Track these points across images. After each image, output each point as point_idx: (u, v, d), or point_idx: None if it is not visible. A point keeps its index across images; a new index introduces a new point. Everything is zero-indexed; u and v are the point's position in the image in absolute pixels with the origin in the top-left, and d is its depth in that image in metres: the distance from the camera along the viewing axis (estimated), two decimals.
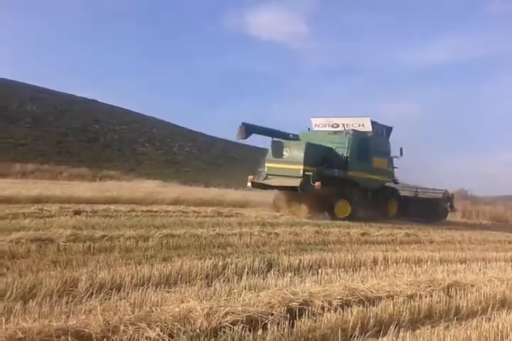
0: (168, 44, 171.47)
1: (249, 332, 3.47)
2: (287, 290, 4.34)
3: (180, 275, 5.10)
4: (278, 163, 14.34)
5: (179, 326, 3.37)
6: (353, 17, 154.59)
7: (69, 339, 3.05)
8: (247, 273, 5.45)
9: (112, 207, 12.03)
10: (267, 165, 14.59)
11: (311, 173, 13.82)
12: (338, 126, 16.69)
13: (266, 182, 14.54)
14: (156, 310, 3.64)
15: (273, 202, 15.31)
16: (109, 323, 3.28)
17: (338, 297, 4.34)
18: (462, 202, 20.49)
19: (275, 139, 14.84)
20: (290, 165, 14.08)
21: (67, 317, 3.47)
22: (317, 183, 13.62)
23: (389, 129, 17.28)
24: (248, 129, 13.76)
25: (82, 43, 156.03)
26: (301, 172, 13.81)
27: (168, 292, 4.43)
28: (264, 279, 5.23)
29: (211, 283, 4.97)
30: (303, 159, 13.94)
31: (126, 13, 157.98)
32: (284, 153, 14.32)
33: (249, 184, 15.01)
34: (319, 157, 14.60)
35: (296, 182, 13.68)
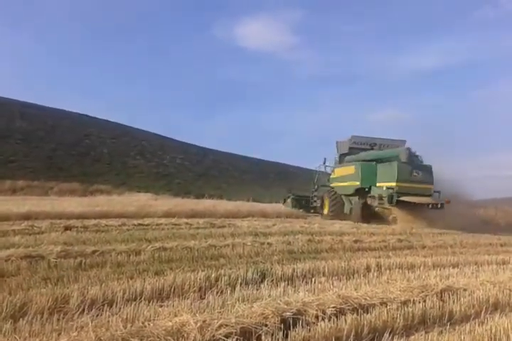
0: (158, 57, 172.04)
1: None
2: (281, 301, 4.32)
3: (172, 289, 5.06)
4: (409, 183, 16.45)
5: (172, 340, 3.35)
6: (342, 25, 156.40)
7: None
8: (241, 284, 5.42)
9: (103, 221, 11.96)
10: (397, 184, 16.45)
11: (440, 191, 16.81)
12: (375, 145, 19.80)
13: (408, 199, 16.09)
14: (149, 324, 3.61)
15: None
16: (101, 339, 3.24)
17: (332, 305, 4.32)
18: (455, 206, 20.55)
19: (403, 162, 16.72)
20: (421, 184, 16.50)
21: (59, 334, 3.43)
22: (447, 199, 16.39)
23: None
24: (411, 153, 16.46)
25: (70, 58, 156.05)
26: (432, 191, 16.64)
27: (161, 306, 4.39)
28: (257, 290, 5.20)
29: (204, 295, 4.93)
30: (433, 180, 16.69)
31: (115, 25, 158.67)
32: (415, 174, 16.54)
33: (392, 202, 16.43)
34: None
35: (431, 200, 16.24)
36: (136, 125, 67.01)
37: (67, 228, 10.18)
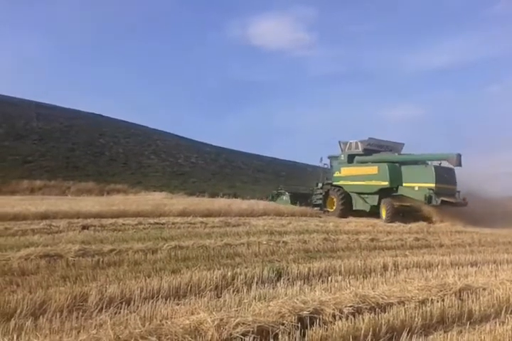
0: (172, 57, 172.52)
1: None
2: (297, 299, 4.31)
3: (189, 287, 5.09)
4: (443, 184, 17.84)
5: (190, 338, 3.36)
6: (355, 23, 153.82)
7: None
8: (257, 283, 5.43)
9: (120, 220, 12.08)
10: (436, 185, 17.65)
11: (459, 191, 18.16)
12: (382, 147, 21.03)
13: (448, 199, 17.47)
14: (167, 322, 3.63)
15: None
16: (119, 337, 3.27)
17: (349, 304, 4.30)
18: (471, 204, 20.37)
19: (440, 164, 18.23)
20: (450, 185, 18.06)
21: (78, 332, 3.47)
22: (464, 198, 17.87)
23: None
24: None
25: (85, 58, 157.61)
26: (456, 191, 18.16)
27: (178, 304, 4.42)
28: (273, 288, 5.20)
29: (221, 293, 4.95)
30: (456, 181, 18.25)
31: (130, 26, 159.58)
32: (446, 176, 18.03)
33: (436, 201, 17.50)
34: None
35: (461, 199, 17.89)
36: (150, 124, 67.32)
37: (84, 227, 10.30)
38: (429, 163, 18.97)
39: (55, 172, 35.18)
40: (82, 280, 5.28)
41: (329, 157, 22.65)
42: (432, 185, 17.66)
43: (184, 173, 46.11)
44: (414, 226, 15.08)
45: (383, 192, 19.16)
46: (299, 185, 26.59)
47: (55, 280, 5.26)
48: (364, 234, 11.42)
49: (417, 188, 18.16)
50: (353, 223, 15.44)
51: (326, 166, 22.55)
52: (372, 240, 10.19)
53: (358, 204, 20.26)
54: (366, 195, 19.89)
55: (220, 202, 19.88)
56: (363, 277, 6.14)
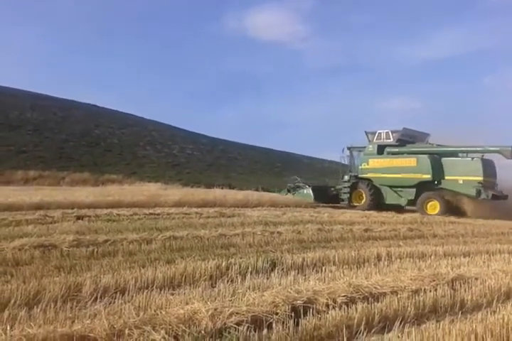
0: (169, 48, 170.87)
1: (255, 332, 3.46)
2: (291, 289, 4.33)
3: (184, 277, 5.10)
4: (489, 177, 17.84)
5: (184, 328, 3.37)
6: (353, 15, 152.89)
7: None
8: (251, 273, 5.44)
9: (115, 211, 12.06)
10: (484, 178, 17.48)
11: (497, 184, 18.22)
12: (414, 138, 20.47)
13: (496, 193, 17.53)
14: (161, 312, 3.64)
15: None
16: (114, 327, 3.27)
17: (343, 294, 4.32)
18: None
19: (485, 158, 17.95)
20: (493, 178, 18.13)
21: (72, 322, 3.47)
22: (501, 191, 18.01)
23: None
24: None
25: (80, 49, 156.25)
26: (496, 184, 18.15)
27: (173, 294, 4.42)
28: (268, 278, 5.22)
29: (215, 284, 4.96)
30: (496, 173, 18.38)
31: (127, 19, 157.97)
32: (489, 169, 17.99)
33: (487, 195, 17.25)
34: None
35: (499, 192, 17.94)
36: (146, 115, 66.97)
37: (79, 217, 10.29)
38: (462, 155, 18.63)
39: (50, 162, 35.04)
40: (76, 271, 5.28)
41: (349, 148, 21.48)
42: (480, 179, 17.24)
43: (179, 164, 46.05)
44: (407, 216, 15.15)
45: (422, 186, 18.50)
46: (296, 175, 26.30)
47: (49, 271, 5.25)
48: (358, 224, 11.47)
49: (461, 181, 17.64)
50: (347, 214, 15.50)
51: (347, 157, 21.52)
52: (366, 230, 10.24)
53: (390, 197, 19.57)
54: (401, 189, 19.22)
55: (215, 193, 19.86)
56: (357, 267, 6.16)
